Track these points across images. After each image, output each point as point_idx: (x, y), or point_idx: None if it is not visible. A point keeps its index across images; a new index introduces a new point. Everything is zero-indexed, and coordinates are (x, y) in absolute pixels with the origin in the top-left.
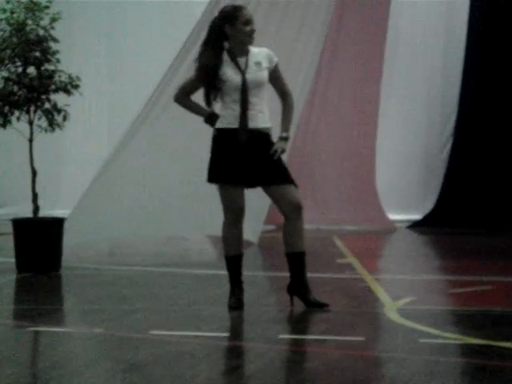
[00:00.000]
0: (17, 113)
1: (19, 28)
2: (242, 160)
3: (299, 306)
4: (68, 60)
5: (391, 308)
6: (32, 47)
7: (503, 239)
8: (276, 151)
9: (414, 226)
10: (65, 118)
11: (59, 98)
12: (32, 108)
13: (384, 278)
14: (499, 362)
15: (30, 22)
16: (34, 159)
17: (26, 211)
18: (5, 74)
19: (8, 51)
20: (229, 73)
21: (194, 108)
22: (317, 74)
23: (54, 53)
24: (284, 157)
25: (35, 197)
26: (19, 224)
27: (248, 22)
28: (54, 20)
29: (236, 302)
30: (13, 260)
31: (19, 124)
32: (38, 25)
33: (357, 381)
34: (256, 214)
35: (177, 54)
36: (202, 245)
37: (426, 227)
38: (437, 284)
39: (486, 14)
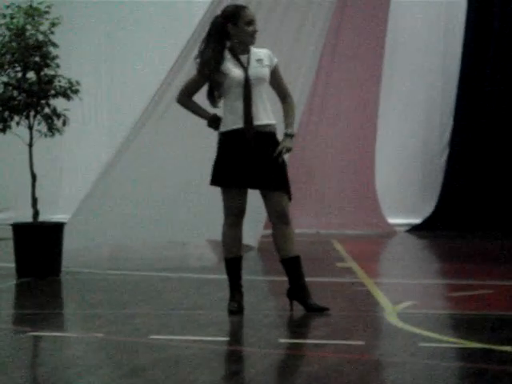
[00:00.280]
0: (16, 118)
1: (19, 33)
2: (247, 162)
3: (299, 310)
4: (67, 65)
5: (391, 312)
6: (32, 52)
7: (502, 243)
8: (280, 152)
9: (414, 229)
10: (64, 123)
11: (59, 103)
12: (32, 113)
13: (384, 281)
14: (499, 366)
15: (29, 27)
16: (34, 164)
17: (26, 216)
18: (4, 79)
19: (8, 56)
20: (231, 68)
21: (196, 110)
22: (317, 75)
23: (54, 58)
24: (286, 157)
25: (35, 201)
26: (19, 229)
27: (251, 22)
28: (53, 25)
29: (236, 307)
30: (13, 265)
31: (19, 129)
32: (37, 30)
33: None
34: (256, 215)
35: (179, 55)
36: (202, 249)
37: (426, 231)
38: (436, 288)
39: (484, 14)
